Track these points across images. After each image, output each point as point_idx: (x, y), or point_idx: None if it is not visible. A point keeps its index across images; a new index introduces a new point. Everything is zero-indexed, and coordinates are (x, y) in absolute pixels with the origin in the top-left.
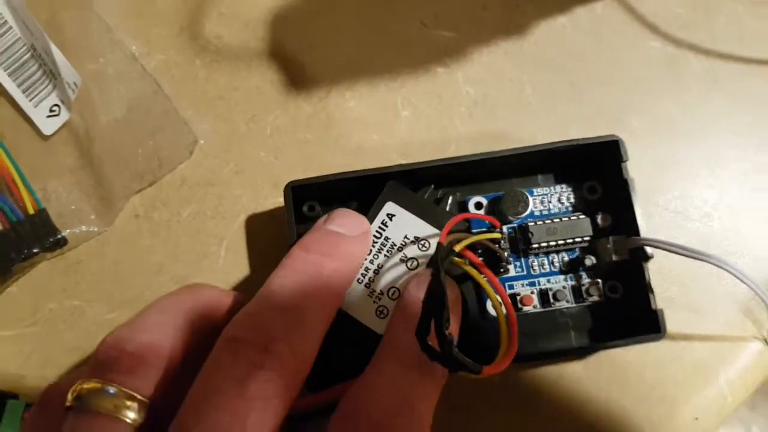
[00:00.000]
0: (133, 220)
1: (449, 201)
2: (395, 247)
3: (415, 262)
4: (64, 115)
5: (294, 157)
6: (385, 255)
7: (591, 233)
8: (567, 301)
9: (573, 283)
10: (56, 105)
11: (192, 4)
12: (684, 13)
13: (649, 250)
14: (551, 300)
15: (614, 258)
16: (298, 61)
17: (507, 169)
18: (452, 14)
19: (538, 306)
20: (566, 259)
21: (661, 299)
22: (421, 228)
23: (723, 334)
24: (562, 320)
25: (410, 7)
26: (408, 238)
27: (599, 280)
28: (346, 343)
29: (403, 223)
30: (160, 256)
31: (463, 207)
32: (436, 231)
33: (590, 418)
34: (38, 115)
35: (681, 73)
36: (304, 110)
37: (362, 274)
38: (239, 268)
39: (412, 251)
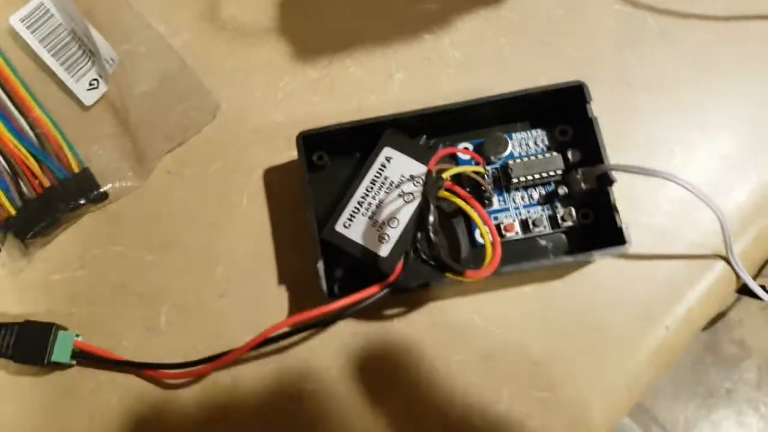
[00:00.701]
0: (166, 176)
1: (440, 146)
2: (393, 185)
3: (411, 196)
4: (102, 88)
5: (302, 117)
6: (385, 191)
7: (563, 167)
8: (544, 227)
9: (550, 212)
10: (95, 79)
11: None
12: None
13: (613, 174)
14: (531, 227)
15: (584, 187)
16: (304, 35)
17: (489, 118)
18: None
19: (520, 233)
20: (543, 192)
21: (633, 225)
22: (416, 168)
23: (689, 253)
24: (541, 245)
25: None
26: (404, 177)
27: (572, 208)
28: (357, 264)
29: (399, 165)
30: (191, 205)
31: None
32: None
33: (571, 327)
34: (79, 88)
35: (639, 30)
36: (310, 76)
37: (366, 207)
38: (259, 213)
39: (408, 187)
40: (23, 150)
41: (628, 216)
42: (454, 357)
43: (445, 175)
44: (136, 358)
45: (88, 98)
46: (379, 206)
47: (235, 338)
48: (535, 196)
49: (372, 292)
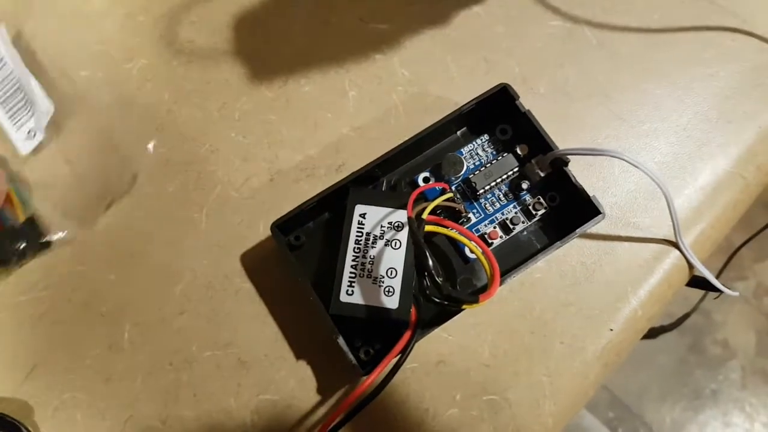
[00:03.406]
0: (126, 194)
1: (402, 184)
2: (377, 237)
3: (397, 242)
4: (38, 138)
5: (260, 135)
6: (372, 246)
7: (517, 163)
8: (523, 222)
9: (521, 207)
10: (31, 129)
11: (167, 16)
12: None
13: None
14: (510, 227)
15: (542, 174)
16: (259, 56)
17: (434, 140)
18: (385, 9)
19: (504, 236)
20: (507, 191)
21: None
22: (390, 213)
23: (641, 236)
24: (524, 238)
25: (348, 6)
26: (383, 226)
27: (539, 197)
28: (374, 326)
29: (374, 216)
30: (151, 224)
31: (414, 184)
32: (403, 210)
33: (519, 328)
34: (18, 137)
35: (578, 43)
36: (267, 96)
37: (361, 268)
38: (219, 230)
39: (391, 234)
40: None
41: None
42: (408, 365)
43: (424, 215)
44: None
45: (26, 146)
46: (372, 263)
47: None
48: (502, 197)
49: (404, 343)
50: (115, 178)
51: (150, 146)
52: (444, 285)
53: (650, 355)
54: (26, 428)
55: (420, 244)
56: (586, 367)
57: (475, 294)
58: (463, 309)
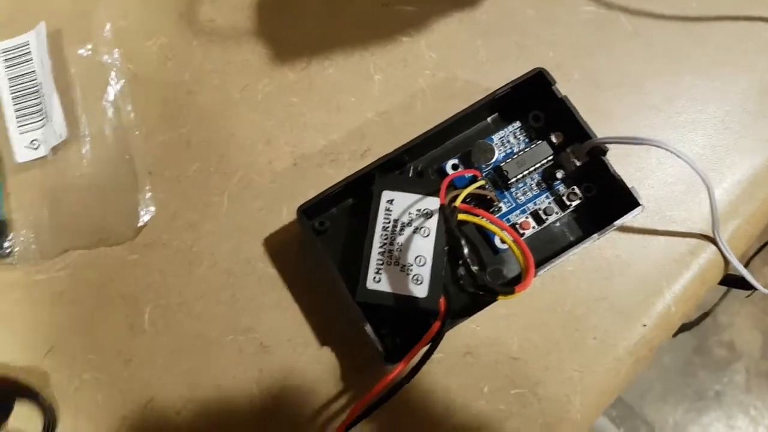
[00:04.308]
0: (147, 176)
1: (430, 170)
2: (405, 224)
3: (426, 230)
4: (41, 152)
5: (282, 118)
6: (399, 233)
7: (552, 151)
8: (556, 213)
9: (554, 197)
10: (36, 140)
11: None
12: None
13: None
14: (543, 217)
15: (578, 163)
16: (282, 37)
17: (463, 126)
18: None
19: (536, 226)
20: (540, 180)
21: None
22: (418, 200)
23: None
24: (556, 229)
25: None
26: (412, 213)
27: (574, 187)
28: (402, 315)
29: (402, 203)
30: (173, 207)
31: (442, 171)
32: (432, 197)
33: (549, 322)
34: (19, 141)
35: (612, 30)
36: (289, 77)
37: (388, 255)
38: (240, 214)
39: (419, 222)
40: None
41: None
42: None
43: (457, 203)
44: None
45: (22, 155)
46: (400, 250)
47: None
48: (535, 186)
49: (433, 333)
50: (114, 222)
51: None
52: (480, 275)
53: (655, 354)
54: (43, 397)
55: (454, 232)
56: (618, 363)
57: (509, 285)
58: (497, 300)
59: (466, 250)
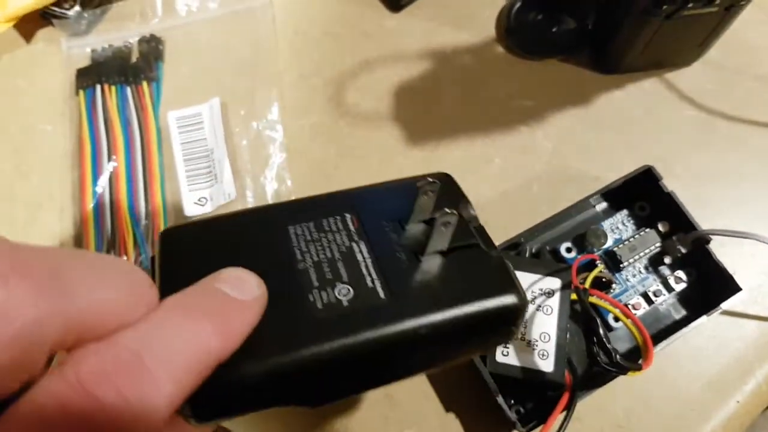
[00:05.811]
0: None
1: (545, 252)
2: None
3: (548, 308)
4: (207, 209)
5: None
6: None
7: (660, 239)
8: (664, 295)
9: (660, 280)
10: (204, 198)
11: (336, 81)
12: (713, 89)
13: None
14: (653, 298)
15: (683, 251)
16: (415, 123)
17: (575, 211)
18: (531, 88)
19: (646, 306)
20: (647, 264)
21: None
22: (539, 280)
23: None
24: (663, 310)
25: (499, 84)
26: (534, 292)
27: (680, 271)
28: (529, 389)
29: (523, 282)
30: None
31: (556, 252)
32: (552, 278)
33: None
34: (188, 197)
35: (712, 133)
36: (419, 156)
37: None
38: None
39: (541, 300)
40: (130, 226)
41: None
42: None
43: (587, 284)
44: None
45: (191, 210)
46: (525, 326)
47: None
48: (643, 270)
49: (564, 403)
50: None
51: None
52: (614, 352)
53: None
54: None
55: (589, 311)
56: None
57: (631, 361)
58: (626, 374)
59: (601, 330)
